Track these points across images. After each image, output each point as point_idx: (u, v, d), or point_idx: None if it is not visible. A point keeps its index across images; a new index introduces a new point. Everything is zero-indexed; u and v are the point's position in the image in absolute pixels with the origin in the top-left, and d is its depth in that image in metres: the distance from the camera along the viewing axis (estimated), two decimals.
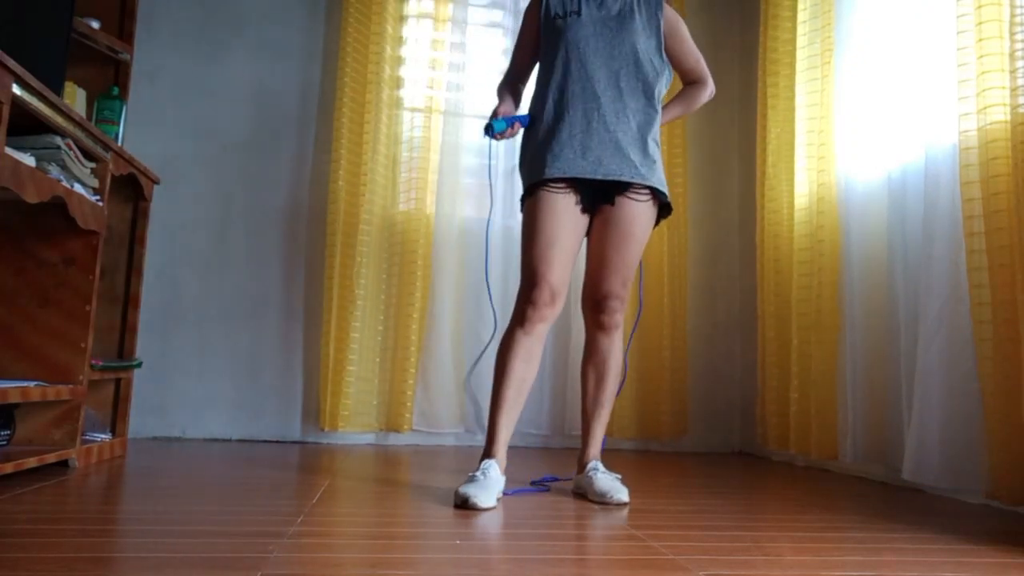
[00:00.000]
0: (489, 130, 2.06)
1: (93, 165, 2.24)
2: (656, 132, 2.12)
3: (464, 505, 1.79)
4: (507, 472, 2.03)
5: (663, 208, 2.15)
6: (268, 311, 3.27)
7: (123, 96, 2.79)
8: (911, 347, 2.37)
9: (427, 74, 3.42)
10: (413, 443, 3.26)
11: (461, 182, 3.40)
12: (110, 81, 2.81)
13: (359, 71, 3.31)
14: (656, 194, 2.10)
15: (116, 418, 2.56)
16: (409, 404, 3.21)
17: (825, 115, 2.83)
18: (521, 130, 2.16)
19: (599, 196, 2.07)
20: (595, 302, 2.12)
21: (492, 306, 2.47)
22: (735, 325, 3.61)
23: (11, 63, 1.71)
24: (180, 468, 2.32)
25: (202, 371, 3.19)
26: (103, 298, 2.54)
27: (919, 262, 2.35)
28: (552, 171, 2.02)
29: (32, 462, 1.94)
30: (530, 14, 2.23)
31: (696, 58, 2.24)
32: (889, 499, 2.20)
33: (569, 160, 2.02)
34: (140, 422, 3.05)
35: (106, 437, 2.49)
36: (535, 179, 2.06)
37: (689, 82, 2.27)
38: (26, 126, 1.94)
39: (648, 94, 2.09)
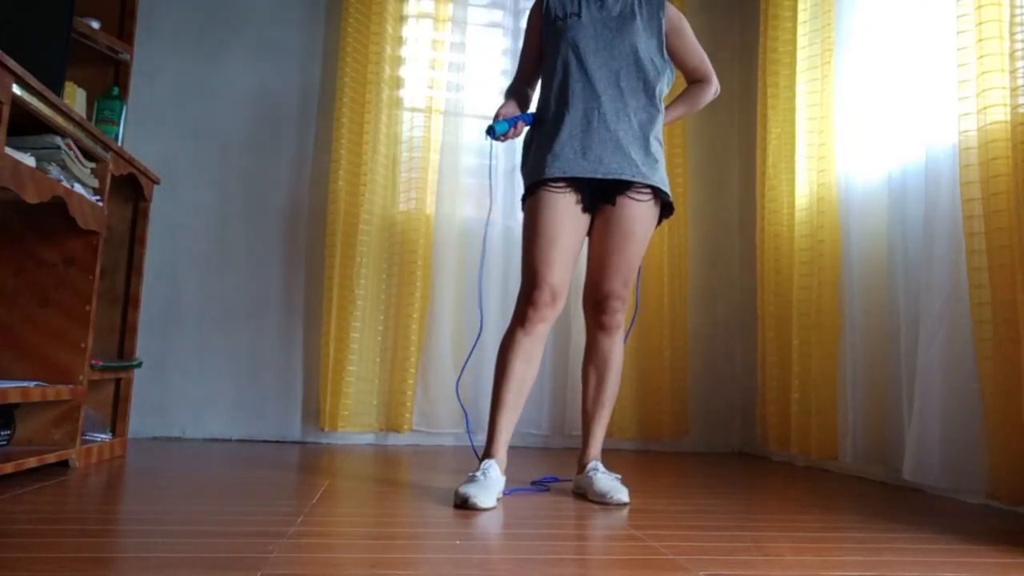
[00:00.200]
0: (491, 132, 2.05)
1: (93, 165, 2.24)
2: (659, 131, 2.12)
3: (464, 505, 1.79)
4: (507, 472, 2.03)
5: (665, 208, 2.15)
6: (268, 311, 3.27)
7: (123, 96, 2.79)
8: (911, 347, 2.37)
9: (427, 74, 3.42)
10: (413, 443, 3.26)
11: (461, 182, 3.40)
12: (110, 81, 2.81)
13: (359, 71, 3.31)
14: (658, 193, 2.09)
15: (116, 418, 2.56)
16: (409, 404, 3.21)
17: (825, 115, 2.83)
18: (525, 129, 2.15)
19: (600, 196, 2.07)
20: (596, 302, 2.12)
21: (480, 308, 2.44)
22: (735, 325, 3.61)
23: (11, 63, 1.71)
24: (180, 468, 2.32)
25: (202, 371, 3.19)
26: (103, 298, 2.54)
27: (919, 262, 2.35)
28: (552, 171, 2.02)
29: (32, 462, 1.94)
30: (532, 18, 2.23)
31: (700, 57, 2.23)
32: (889, 499, 2.20)
33: (569, 159, 2.02)
34: (140, 422, 3.05)
35: (106, 437, 2.49)
36: (535, 178, 2.06)
37: (693, 81, 2.27)
38: (26, 126, 1.94)
39: (649, 93, 2.09)
